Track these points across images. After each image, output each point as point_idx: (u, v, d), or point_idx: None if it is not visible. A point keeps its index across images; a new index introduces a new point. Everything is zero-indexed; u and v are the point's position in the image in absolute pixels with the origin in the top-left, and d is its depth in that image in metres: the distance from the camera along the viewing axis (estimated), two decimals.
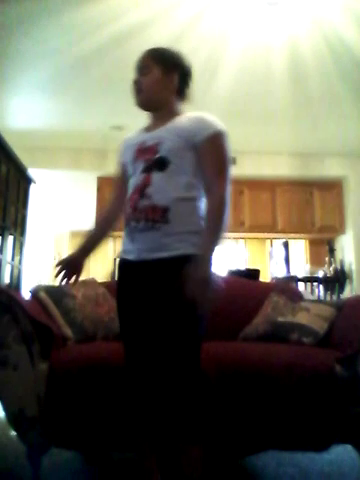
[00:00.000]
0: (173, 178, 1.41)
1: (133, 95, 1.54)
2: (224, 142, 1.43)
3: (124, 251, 1.50)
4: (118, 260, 1.55)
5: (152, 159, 1.44)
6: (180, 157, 1.42)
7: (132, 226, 1.43)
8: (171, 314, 1.34)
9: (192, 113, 1.50)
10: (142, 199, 1.41)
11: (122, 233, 1.51)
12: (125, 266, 1.49)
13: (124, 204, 1.53)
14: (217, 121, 1.46)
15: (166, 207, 1.38)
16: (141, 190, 1.42)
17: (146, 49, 1.56)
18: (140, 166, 1.46)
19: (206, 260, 1.31)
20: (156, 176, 1.41)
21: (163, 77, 1.50)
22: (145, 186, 1.42)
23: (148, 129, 1.55)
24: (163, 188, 1.40)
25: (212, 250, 1.33)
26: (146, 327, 1.41)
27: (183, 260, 1.33)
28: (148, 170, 1.43)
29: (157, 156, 1.43)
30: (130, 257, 1.45)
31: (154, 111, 1.55)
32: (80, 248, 1.62)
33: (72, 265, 1.60)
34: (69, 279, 1.59)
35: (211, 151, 1.42)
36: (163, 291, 1.36)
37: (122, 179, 1.61)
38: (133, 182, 1.48)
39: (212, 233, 1.36)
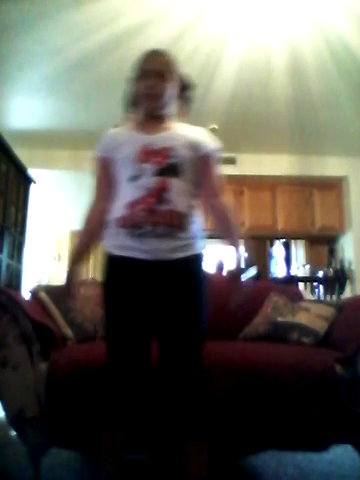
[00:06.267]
0: (186, 185, 1.45)
1: (147, 99, 1.49)
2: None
3: (123, 247, 1.42)
4: (109, 255, 1.46)
5: (165, 163, 1.41)
6: (189, 165, 1.46)
7: (145, 229, 1.37)
8: (186, 311, 1.39)
9: (190, 125, 1.55)
10: (161, 203, 1.38)
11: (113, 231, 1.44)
12: (129, 264, 1.41)
13: (114, 203, 1.47)
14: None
15: (184, 213, 1.42)
16: (158, 194, 1.39)
17: (162, 52, 1.52)
18: (148, 168, 1.41)
19: (239, 255, 1.50)
20: (173, 181, 1.41)
21: (176, 85, 1.53)
22: (163, 190, 1.39)
23: (143, 130, 1.49)
24: (181, 194, 1.43)
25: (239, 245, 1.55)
26: (154, 324, 1.42)
27: (196, 258, 1.45)
28: (162, 174, 1.41)
29: (170, 161, 1.42)
30: (140, 256, 1.39)
31: (158, 117, 1.51)
32: (74, 264, 1.54)
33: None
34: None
35: (216, 162, 1.54)
36: (178, 288, 1.40)
37: (107, 176, 1.52)
38: (140, 184, 1.40)
39: (236, 231, 1.56)
